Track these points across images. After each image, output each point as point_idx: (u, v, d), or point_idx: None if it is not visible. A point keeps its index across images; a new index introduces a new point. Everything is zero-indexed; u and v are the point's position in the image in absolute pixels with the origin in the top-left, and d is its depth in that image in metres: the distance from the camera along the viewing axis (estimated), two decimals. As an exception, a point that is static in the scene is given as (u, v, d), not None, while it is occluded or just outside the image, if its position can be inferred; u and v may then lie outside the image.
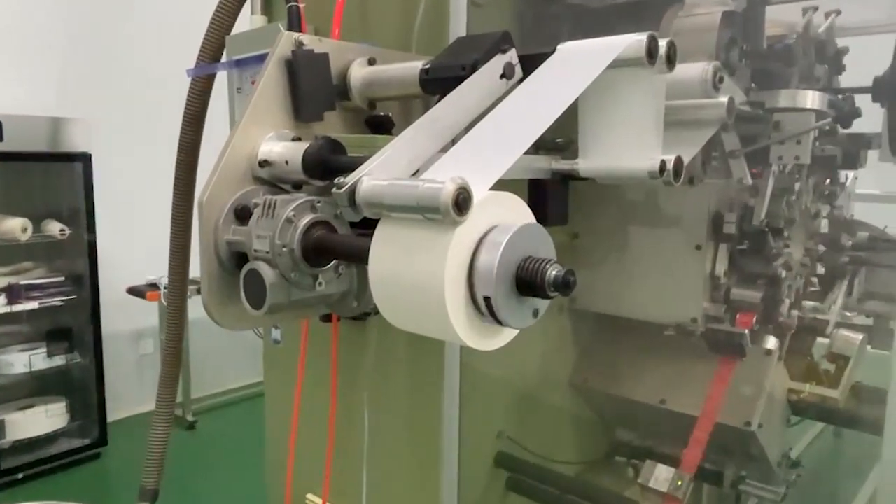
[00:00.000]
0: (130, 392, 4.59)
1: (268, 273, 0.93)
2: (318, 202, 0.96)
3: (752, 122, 1.46)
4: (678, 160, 1.03)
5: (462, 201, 0.68)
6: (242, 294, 0.97)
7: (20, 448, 3.72)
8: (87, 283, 3.92)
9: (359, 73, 1.13)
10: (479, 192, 0.72)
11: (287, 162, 1.01)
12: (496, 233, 0.71)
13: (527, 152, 0.80)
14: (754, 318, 1.59)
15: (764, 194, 1.54)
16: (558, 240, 0.76)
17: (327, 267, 0.98)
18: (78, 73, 4.27)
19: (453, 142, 0.93)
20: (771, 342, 1.67)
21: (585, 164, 1.07)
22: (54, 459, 3.83)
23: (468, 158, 0.79)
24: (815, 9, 1.75)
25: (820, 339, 2.01)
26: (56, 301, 3.82)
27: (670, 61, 0.98)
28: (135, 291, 4.35)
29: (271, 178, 1.04)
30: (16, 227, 3.61)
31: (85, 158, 3.82)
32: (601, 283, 1.72)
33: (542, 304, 0.75)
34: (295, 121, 1.09)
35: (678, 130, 1.22)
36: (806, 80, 1.67)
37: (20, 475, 3.68)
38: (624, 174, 1.04)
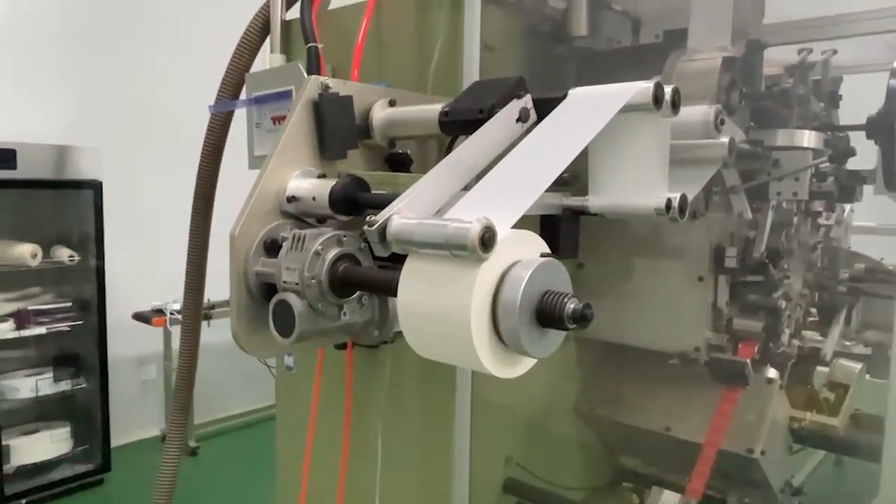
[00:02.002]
0: (133, 417, 4.61)
1: (297, 303, 0.98)
2: (345, 236, 1.02)
3: (751, 160, 1.53)
4: (683, 198, 1.09)
5: (487, 239, 0.73)
6: (271, 323, 1.02)
7: (24, 473, 3.73)
8: (94, 308, 3.97)
9: (380, 113, 1.20)
10: (502, 231, 0.77)
11: (314, 198, 1.06)
12: (518, 268, 0.77)
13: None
14: (756, 348, 1.63)
15: (763, 228, 1.60)
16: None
17: (352, 297, 1.03)
18: (90, 102, 4.37)
19: (466, 187, 0.99)
20: (772, 371, 1.72)
21: (595, 200, 1.13)
22: (58, 485, 3.84)
23: (490, 198, 0.85)
24: (810, 50, 1.83)
25: (820, 368, 2.06)
26: (63, 326, 3.86)
27: (675, 106, 1.04)
28: (141, 317, 4.39)
29: (298, 213, 1.10)
30: (26, 252, 3.67)
31: (95, 186, 3.89)
32: (606, 313, 1.77)
33: (561, 335, 0.80)
34: (320, 159, 1.15)
35: (683, 168, 1.29)
36: (803, 118, 1.75)
37: (23, 501, 3.69)
38: (632, 211, 1.10)
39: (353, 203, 1.05)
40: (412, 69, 1.49)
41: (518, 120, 1.02)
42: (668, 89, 1.03)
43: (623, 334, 1.77)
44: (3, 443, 3.59)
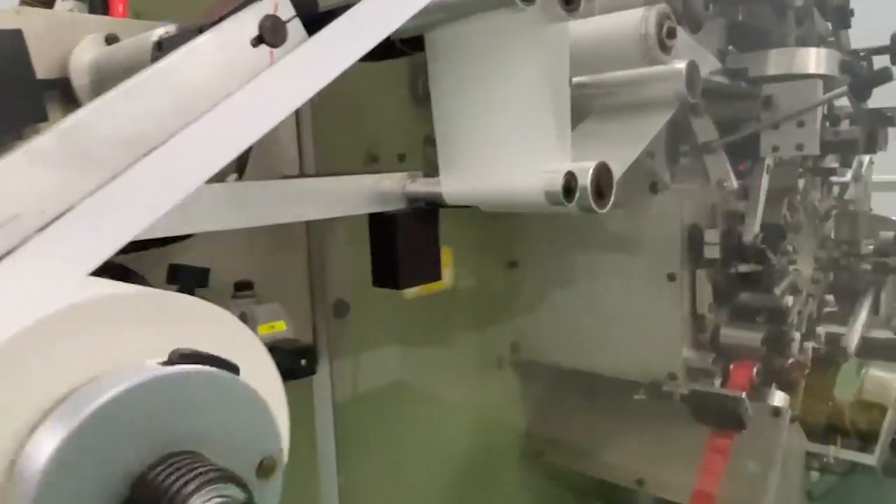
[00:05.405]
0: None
1: None
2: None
3: (733, 100, 1.02)
4: (601, 169, 0.60)
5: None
6: None
7: None
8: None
9: (84, 57, 0.70)
10: (68, 295, 0.29)
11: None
12: (76, 400, 0.28)
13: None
14: (754, 370, 1.15)
15: (756, 200, 1.10)
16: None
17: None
18: None
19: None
20: (779, 396, 1.24)
21: (450, 185, 0.64)
22: None
23: (97, 218, 0.36)
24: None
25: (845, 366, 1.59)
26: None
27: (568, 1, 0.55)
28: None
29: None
30: None
31: None
32: (549, 327, 1.29)
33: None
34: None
35: (619, 118, 0.80)
36: (808, 38, 1.24)
37: None
38: (509, 199, 0.61)
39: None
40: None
41: (259, 41, 0.52)
42: (549, -36, 0.54)
43: (573, 356, 1.28)
44: None
